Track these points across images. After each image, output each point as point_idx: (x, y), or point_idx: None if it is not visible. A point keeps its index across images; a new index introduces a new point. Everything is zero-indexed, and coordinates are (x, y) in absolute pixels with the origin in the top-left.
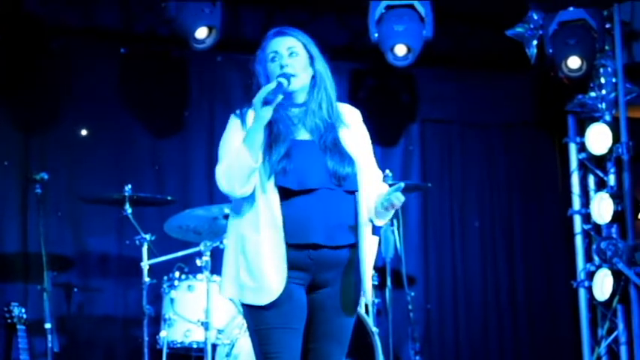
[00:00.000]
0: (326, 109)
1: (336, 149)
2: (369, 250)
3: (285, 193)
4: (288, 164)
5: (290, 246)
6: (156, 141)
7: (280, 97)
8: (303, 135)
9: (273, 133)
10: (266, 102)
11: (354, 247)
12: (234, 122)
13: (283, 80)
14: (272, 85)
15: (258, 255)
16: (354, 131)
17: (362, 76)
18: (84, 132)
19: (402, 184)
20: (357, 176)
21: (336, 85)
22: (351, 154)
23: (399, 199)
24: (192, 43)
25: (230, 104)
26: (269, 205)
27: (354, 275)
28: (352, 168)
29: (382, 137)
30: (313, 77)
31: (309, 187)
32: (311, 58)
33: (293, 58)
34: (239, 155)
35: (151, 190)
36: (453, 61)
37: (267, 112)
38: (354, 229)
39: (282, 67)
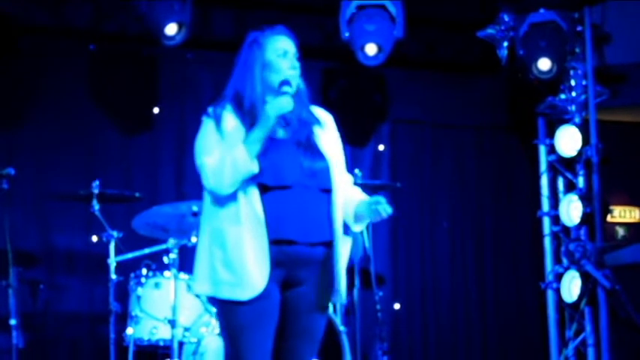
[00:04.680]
0: (300, 111)
1: (309, 145)
2: (343, 249)
3: (262, 189)
4: (264, 161)
5: (269, 241)
6: (125, 138)
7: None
8: (278, 132)
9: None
10: (286, 122)
11: (329, 245)
12: (209, 123)
13: (291, 90)
14: (289, 103)
15: (239, 248)
16: (328, 133)
17: (333, 75)
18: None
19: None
20: (330, 173)
21: (307, 86)
22: (324, 151)
23: (387, 211)
24: (162, 40)
25: (200, 102)
26: (249, 199)
27: (328, 274)
28: (324, 164)
29: (353, 137)
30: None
31: (285, 184)
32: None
33: (297, 64)
34: (237, 157)
35: (120, 187)
36: (424, 63)
37: (274, 123)
38: (329, 227)
39: (293, 67)
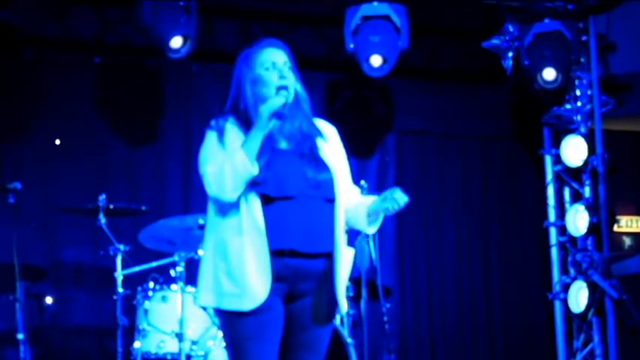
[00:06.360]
0: (302, 123)
1: (313, 156)
2: (344, 260)
3: (264, 200)
4: (267, 173)
5: (270, 252)
6: (131, 150)
7: (285, 110)
8: (281, 144)
9: None
10: (278, 116)
11: (331, 256)
12: (212, 135)
13: (286, 94)
14: (281, 100)
15: (240, 258)
16: (330, 144)
17: (338, 87)
18: (57, 141)
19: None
20: (333, 184)
21: (311, 97)
22: (327, 162)
23: (404, 200)
24: (167, 52)
25: (206, 113)
26: (251, 210)
27: (330, 285)
28: (328, 175)
29: (358, 148)
30: (294, 94)
31: (288, 194)
32: (295, 76)
33: (289, 72)
34: (236, 161)
35: (126, 200)
36: (429, 73)
37: (273, 124)
38: (331, 237)
39: (282, 77)
